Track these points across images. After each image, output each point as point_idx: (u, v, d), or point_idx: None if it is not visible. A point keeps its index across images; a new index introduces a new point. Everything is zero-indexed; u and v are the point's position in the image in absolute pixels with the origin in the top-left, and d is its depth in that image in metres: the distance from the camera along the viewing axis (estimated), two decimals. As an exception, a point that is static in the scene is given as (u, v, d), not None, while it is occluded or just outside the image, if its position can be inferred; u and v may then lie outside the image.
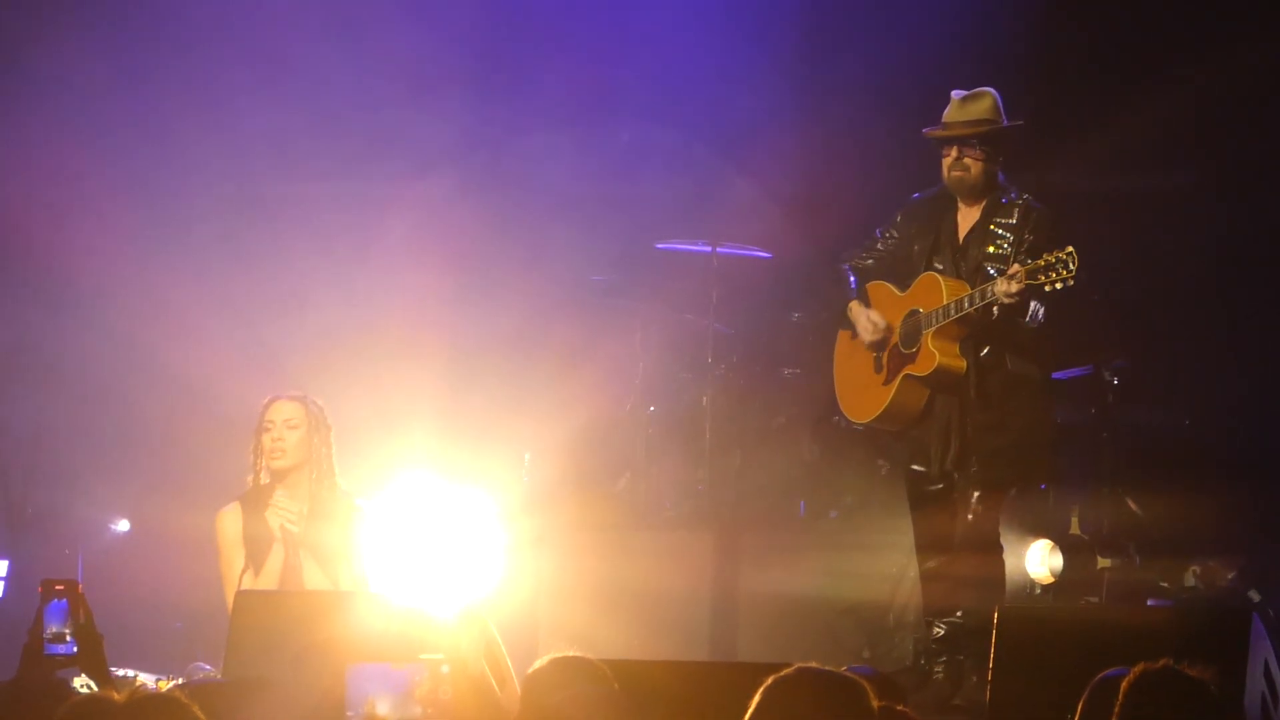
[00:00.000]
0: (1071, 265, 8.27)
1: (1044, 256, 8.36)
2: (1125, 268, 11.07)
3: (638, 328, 11.48)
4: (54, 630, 5.67)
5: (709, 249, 11.17)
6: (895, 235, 8.98)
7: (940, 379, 8.70)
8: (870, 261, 9.03)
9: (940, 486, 8.77)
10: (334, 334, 11.23)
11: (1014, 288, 8.37)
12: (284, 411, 8.53)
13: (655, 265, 11.50)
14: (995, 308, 8.50)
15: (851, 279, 9.02)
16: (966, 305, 8.56)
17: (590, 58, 11.75)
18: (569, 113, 11.75)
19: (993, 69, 10.04)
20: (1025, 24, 11.23)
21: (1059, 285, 8.31)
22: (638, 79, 11.70)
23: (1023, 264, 8.47)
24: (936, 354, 8.67)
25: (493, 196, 11.72)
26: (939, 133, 8.81)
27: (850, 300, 9.00)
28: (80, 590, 5.68)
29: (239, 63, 11.36)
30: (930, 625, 8.82)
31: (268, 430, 8.52)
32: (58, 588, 5.67)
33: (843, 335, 9.20)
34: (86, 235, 11.13)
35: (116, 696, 4.61)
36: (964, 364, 8.69)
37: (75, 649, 5.67)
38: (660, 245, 11.40)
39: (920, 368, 8.73)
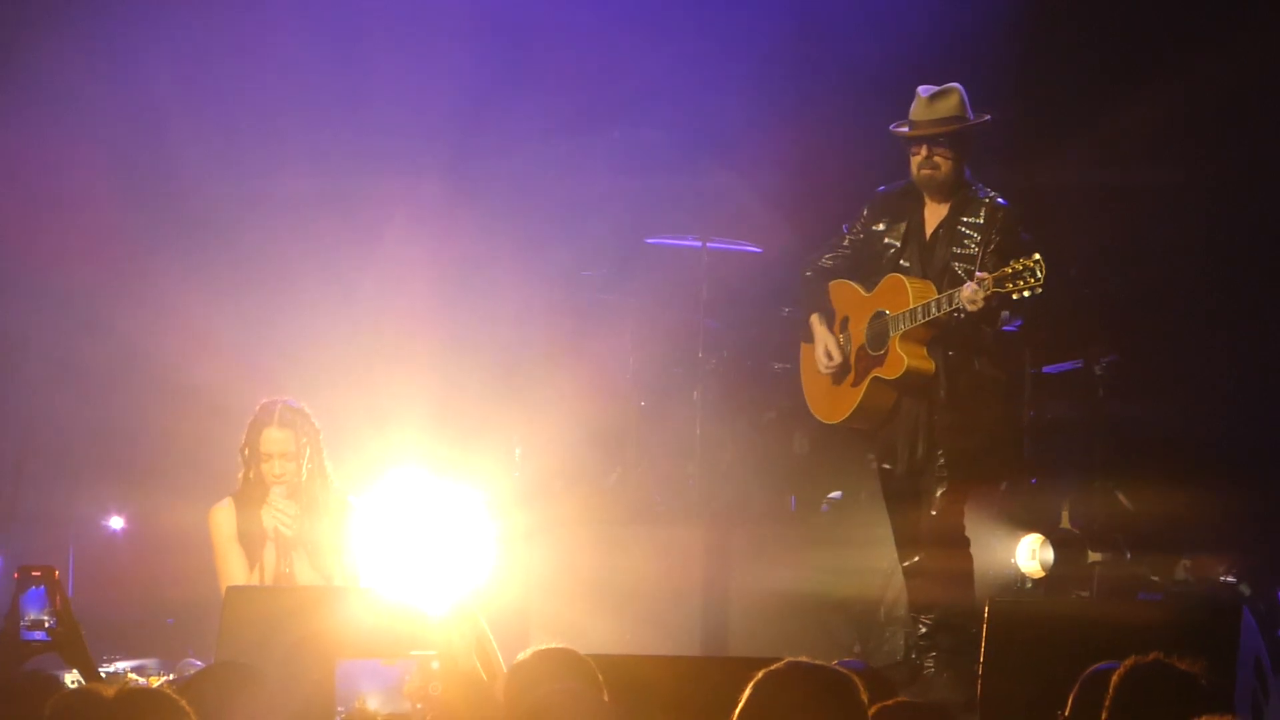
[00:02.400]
0: (1039, 273, 8.26)
1: (1011, 264, 8.34)
2: (1115, 262, 11.08)
3: (628, 323, 11.48)
4: (31, 617, 5.61)
5: (699, 244, 11.16)
6: (862, 230, 8.97)
7: (909, 381, 8.70)
8: (834, 262, 9.03)
9: (909, 484, 8.78)
10: (326, 331, 11.21)
11: (979, 296, 8.36)
12: (278, 443, 8.52)
13: (645, 260, 11.50)
14: (961, 313, 8.49)
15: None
16: (934, 310, 8.55)
17: (581, 56, 11.74)
18: (559, 109, 11.74)
19: (983, 64, 10.04)
20: (1016, 19, 11.22)
21: (1026, 294, 8.30)
22: (628, 76, 11.69)
23: (990, 267, 8.47)
24: (905, 357, 8.67)
25: (484, 193, 11.71)
26: (908, 132, 8.80)
27: (812, 314, 9.03)
28: (57, 577, 5.62)
29: (234, 62, 11.35)
30: (916, 620, 8.85)
31: (266, 461, 8.52)
32: (34, 574, 5.62)
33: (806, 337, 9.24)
34: (81, 232, 11.11)
35: (107, 692, 4.61)
36: (933, 365, 8.69)
37: (52, 639, 5.62)
38: (650, 240, 11.40)
39: (889, 371, 8.73)
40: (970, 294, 8.39)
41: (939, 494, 8.69)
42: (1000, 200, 8.75)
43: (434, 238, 11.38)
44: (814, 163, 11.11)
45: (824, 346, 8.97)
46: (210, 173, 11.42)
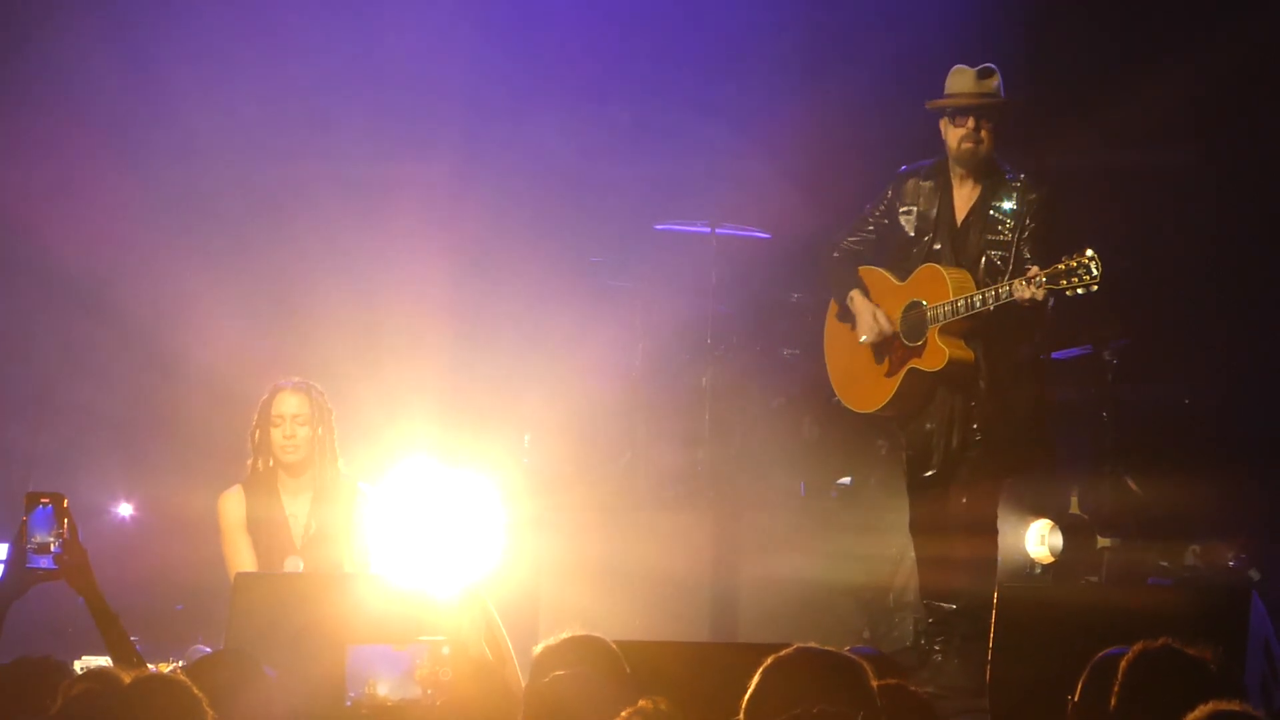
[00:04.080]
0: (1095, 270, 8.13)
1: (1064, 261, 8.22)
2: (1125, 245, 11.05)
3: (637, 309, 11.48)
4: (38, 540, 5.49)
5: (708, 230, 11.16)
6: (886, 213, 8.85)
7: (949, 371, 8.58)
8: (861, 246, 8.91)
9: (939, 473, 8.70)
10: (336, 318, 11.22)
11: (1030, 293, 8.26)
12: (291, 406, 8.49)
13: (654, 246, 11.50)
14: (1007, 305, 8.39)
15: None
16: (979, 305, 8.43)
17: (591, 38, 11.74)
18: (569, 94, 11.74)
19: (995, 44, 10.01)
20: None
21: (1081, 291, 8.20)
22: (638, 59, 11.69)
23: (1027, 254, 8.39)
24: (946, 350, 8.53)
25: (493, 179, 11.71)
26: (963, 101, 8.63)
27: (850, 290, 8.91)
28: (66, 504, 5.52)
29: (241, 47, 11.35)
30: (929, 607, 8.80)
31: (277, 425, 8.48)
32: (43, 500, 5.49)
33: (832, 322, 9.08)
34: (91, 220, 11.12)
35: (123, 676, 4.63)
36: (972, 355, 8.56)
37: (58, 565, 5.53)
38: (659, 226, 11.40)
39: (929, 363, 8.59)
40: (1023, 291, 8.24)
41: (974, 481, 8.62)
42: (1032, 183, 8.63)
43: (443, 224, 11.38)
44: (825, 146, 11.10)
45: (871, 314, 8.78)
46: (218, 157, 11.42)
